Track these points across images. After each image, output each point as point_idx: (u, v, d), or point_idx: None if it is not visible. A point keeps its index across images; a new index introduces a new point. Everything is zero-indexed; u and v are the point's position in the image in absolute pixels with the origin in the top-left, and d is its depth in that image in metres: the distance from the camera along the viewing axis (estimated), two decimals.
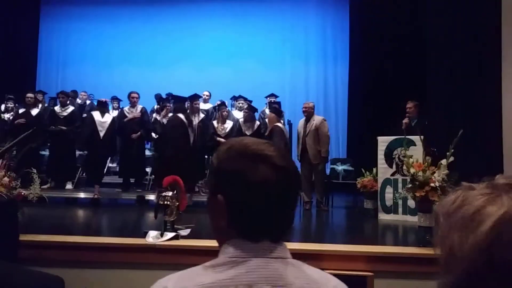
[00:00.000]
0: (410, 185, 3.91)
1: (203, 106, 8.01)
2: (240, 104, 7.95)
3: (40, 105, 7.77)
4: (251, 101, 7.24)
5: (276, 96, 7.80)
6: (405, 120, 6.12)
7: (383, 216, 5.34)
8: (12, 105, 7.59)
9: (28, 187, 3.98)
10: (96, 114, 6.83)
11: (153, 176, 7.05)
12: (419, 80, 7.46)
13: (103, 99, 7.40)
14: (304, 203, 6.10)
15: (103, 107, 7.04)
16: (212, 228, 0.88)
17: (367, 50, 9.04)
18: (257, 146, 0.84)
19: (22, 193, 3.51)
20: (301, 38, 10.59)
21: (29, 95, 7.21)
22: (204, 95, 8.25)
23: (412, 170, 3.86)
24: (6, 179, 3.32)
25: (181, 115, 5.98)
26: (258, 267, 0.78)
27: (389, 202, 5.33)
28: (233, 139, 0.91)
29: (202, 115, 7.18)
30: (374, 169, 5.58)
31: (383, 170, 5.45)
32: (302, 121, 6.37)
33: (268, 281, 0.78)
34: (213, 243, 3.05)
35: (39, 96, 8.13)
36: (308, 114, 6.24)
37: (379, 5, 8.74)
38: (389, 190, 5.35)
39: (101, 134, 6.68)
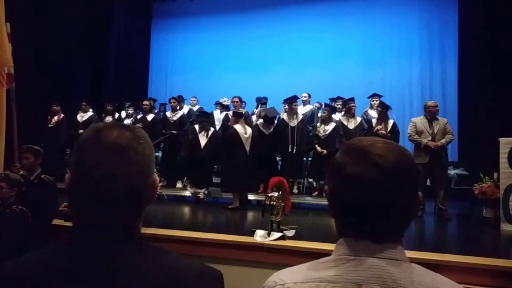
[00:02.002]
0: None
1: (302, 108, 8.01)
2: (339, 105, 7.83)
3: (153, 111, 8.53)
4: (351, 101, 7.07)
5: (379, 96, 7.48)
6: None
7: (506, 227, 4.78)
8: (132, 111, 8.46)
9: None
10: (238, 127, 6.29)
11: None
12: None
13: (241, 110, 6.89)
14: None
15: (239, 117, 6.48)
16: None
17: (480, 43, 8.17)
18: (366, 142, 0.84)
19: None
20: (402, 35, 10.05)
21: (145, 102, 8.02)
22: (303, 97, 8.25)
23: None
24: None
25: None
26: (368, 267, 0.78)
27: None
28: (355, 137, 0.93)
29: (300, 117, 7.22)
30: (495, 174, 5.02)
31: (507, 175, 4.86)
32: (420, 120, 5.97)
33: (379, 281, 0.77)
34: (317, 245, 3.00)
35: (152, 103, 8.91)
36: (436, 113, 5.93)
37: None
38: None
39: (247, 148, 6.26)
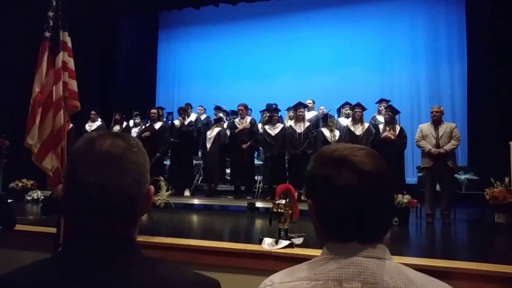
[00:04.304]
0: None
1: (307, 114, 8.01)
2: (347, 111, 7.81)
3: (161, 119, 8.58)
4: (365, 108, 7.04)
5: (387, 101, 7.45)
6: None
7: None
8: (139, 120, 8.51)
9: (156, 193, 4.42)
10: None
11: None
12: None
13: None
14: (426, 216, 5.69)
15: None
16: (315, 231, 0.93)
17: (489, 45, 8.08)
18: (343, 151, 0.86)
19: (152, 199, 3.86)
20: (409, 39, 10.01)
21: (153, 110, 8.07)
22: (307, 103, 8.26)
23: None
24: None
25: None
26: (348, 265, 0.81)
27: None
28: (326, 146, 0.94)
29: (307, 123, 7.22)
30: (506, 178, 4.95)
31: None
32: (427, 125, 6.02)
33: (359, 278, 0.80)
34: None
35: (159, 111, 8.97)
36: (438, 118, 5.90)
37: None
38: None
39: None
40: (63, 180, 0.81)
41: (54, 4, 3.69)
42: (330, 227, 0.86)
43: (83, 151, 0.79)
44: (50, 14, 3.69)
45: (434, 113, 5.89)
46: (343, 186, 0.82)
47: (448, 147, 5.67)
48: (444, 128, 5.81)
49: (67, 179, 0.79)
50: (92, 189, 0.75)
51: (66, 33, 3.78)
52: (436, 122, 5.85)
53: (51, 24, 3.68)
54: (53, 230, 3.52)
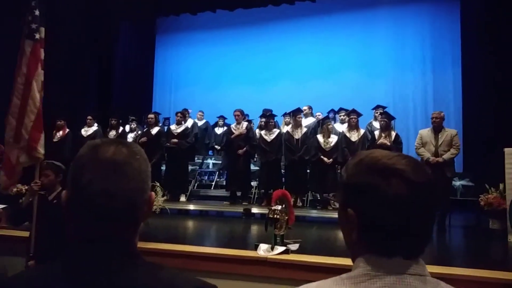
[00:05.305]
0: None
1: (304, 121, 8.04)
2: (342, 117, 7.84)
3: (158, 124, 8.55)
4: (361, 114, 7.06)
5: (383, 107, 7.49)
6: None
7: None
8: (135, 126, 8.50)
9: None
10: None
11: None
12: None
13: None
14: None
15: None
16: (345, 241, 0.88)
17: (484, 52, 8.15)
18: (388, 159, 0.82)
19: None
20: (405, 46, 10.09)
21: (150, 116, 8.06)
22: (304, 109, 8.28)
23: None
24: None
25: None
26: (394, 283, 0.76)
27: None
28: (362, 152, 0.88)
29: (304, 129, 7.24)
30: (501, 185, 4.97)
31: None
32: (427, 132, 5.92)
33: None
34: (322, 259, 2.97)
35: (156, 117, 8.95)
36: (439, 124, 5.80)
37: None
38: None
39: None
40: (67, 186, 0.83)
41: (38, 1, 3.48)
42: (373, 239, 0.80)
43: (87, 158, 0.81)
44: (37, 13, 3.45)
45: (434, 119, 5.78)
46: (393, 196, 0.77)
47: (446, 156, 5.59)
48: (445, 135, 5.70)
49: (71, 185, 0.81)
50: (96, 195, 0.77)
51: (43, 29, 3.55)
52: (437, 128, 5.76)
53: (39, 24, 3.48)
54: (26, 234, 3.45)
